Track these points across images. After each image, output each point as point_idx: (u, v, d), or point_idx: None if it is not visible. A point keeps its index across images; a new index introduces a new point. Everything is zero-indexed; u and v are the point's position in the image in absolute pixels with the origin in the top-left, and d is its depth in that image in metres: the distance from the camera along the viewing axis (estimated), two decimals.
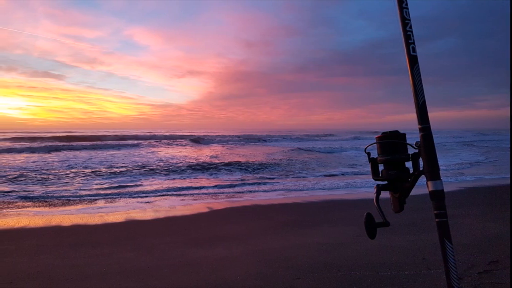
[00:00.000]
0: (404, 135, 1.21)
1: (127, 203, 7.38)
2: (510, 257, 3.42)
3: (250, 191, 8.78)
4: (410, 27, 1.14)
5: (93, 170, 12.42)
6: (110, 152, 20.52)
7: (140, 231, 5.23)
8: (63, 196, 8.03)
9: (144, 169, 12.75)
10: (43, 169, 12.44)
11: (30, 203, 7.28)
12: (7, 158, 16.15)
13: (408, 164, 1.21)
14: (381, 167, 1.25)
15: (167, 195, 8.33)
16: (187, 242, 4.52)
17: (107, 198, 7.91)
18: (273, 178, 11.05)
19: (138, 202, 7.48)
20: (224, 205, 7.23)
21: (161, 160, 15.95)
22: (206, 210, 6.72)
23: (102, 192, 8.62)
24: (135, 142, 28.49)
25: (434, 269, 3.23)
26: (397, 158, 1.19)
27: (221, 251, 4.10)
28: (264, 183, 9.93)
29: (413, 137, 1.17)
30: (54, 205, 7.08)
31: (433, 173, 1.09)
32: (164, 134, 44.21)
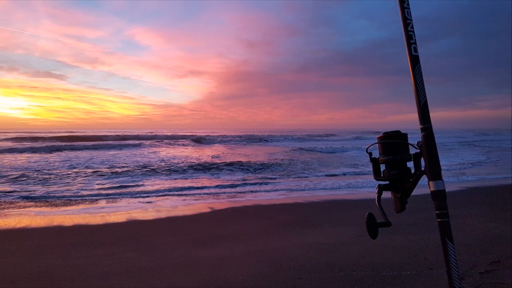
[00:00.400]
0: (405, 135, 1.21)
1: (128, 203, 7.39)
2: (511, 257, 3.42)
3: (252, 191, 8.78)
4: (412, 27, 1.14)
5: (94, 170, 12.44)
6: (112, 152, 20.55)
7: (142, 231, 5.24)
8: (64, 196, 8.04)
9: (146, 169, 12.76)
10: (44, 169, 12.47)
11: (31, 203, 7.30)
12: (8, 158, 16.19)
13: (410, 164, 1.21)
14: (382, 167, 1.25)
15: (169, 195, 8.34)
16: (188, 242, 4.52)
17: (109, 198, 7.92)
18: (274, 178, 11.05)
19: (139, 202, 7.49)
20: (226, 205, 7.23)
21: (163, 160, 15.97)
22: (208, 210, 6.73)
23: (103, 192, 8.63)
24: (137, 142, 28.53)
25: (435, 269, 3.22)
26: (399, 158, 1.19)
27: (223, 251, 4.10)
28: (266, 183, 9.93)
29: (415, 137, 1.17)
30: (56, 205, 7.09)
31: (434, 173, 1.09)
32: (166, 134, 44.25)
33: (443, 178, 1.10)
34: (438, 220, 1.09)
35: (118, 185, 9.59)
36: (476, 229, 4.59)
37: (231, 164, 14.23)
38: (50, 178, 10.66)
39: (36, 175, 10.95)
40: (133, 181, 10.35)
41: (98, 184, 9.77)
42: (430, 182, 1.10)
